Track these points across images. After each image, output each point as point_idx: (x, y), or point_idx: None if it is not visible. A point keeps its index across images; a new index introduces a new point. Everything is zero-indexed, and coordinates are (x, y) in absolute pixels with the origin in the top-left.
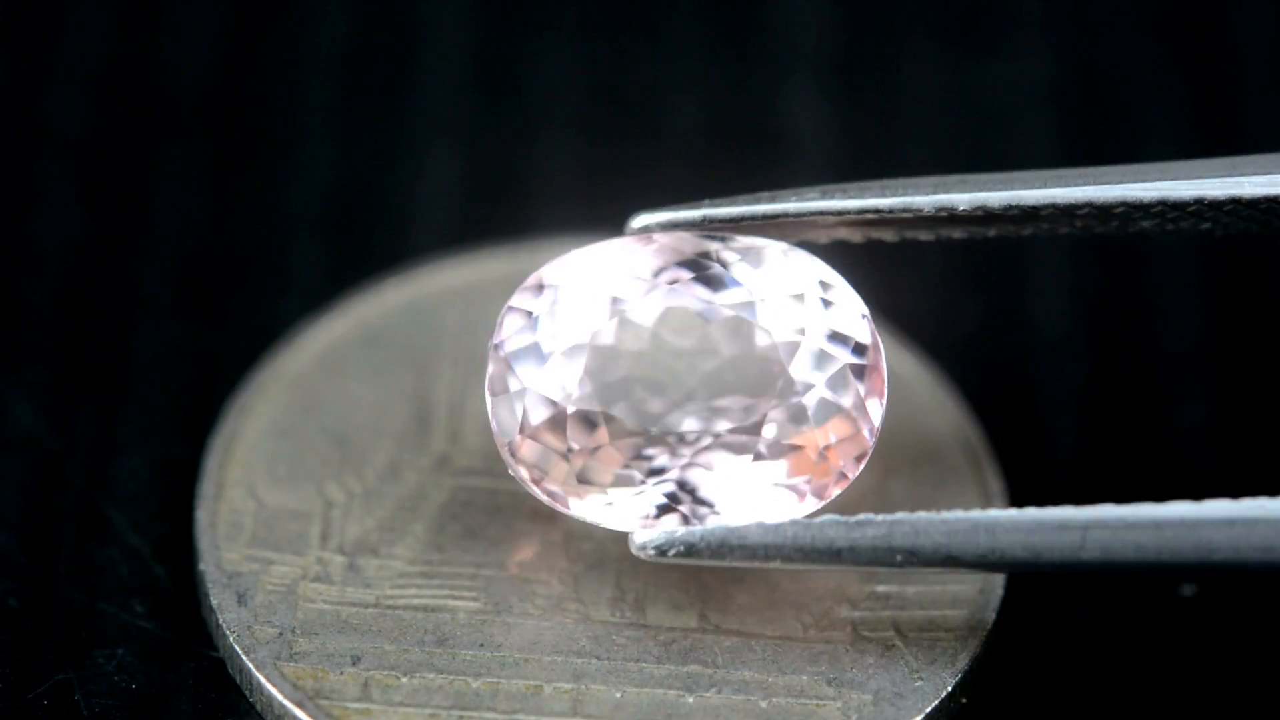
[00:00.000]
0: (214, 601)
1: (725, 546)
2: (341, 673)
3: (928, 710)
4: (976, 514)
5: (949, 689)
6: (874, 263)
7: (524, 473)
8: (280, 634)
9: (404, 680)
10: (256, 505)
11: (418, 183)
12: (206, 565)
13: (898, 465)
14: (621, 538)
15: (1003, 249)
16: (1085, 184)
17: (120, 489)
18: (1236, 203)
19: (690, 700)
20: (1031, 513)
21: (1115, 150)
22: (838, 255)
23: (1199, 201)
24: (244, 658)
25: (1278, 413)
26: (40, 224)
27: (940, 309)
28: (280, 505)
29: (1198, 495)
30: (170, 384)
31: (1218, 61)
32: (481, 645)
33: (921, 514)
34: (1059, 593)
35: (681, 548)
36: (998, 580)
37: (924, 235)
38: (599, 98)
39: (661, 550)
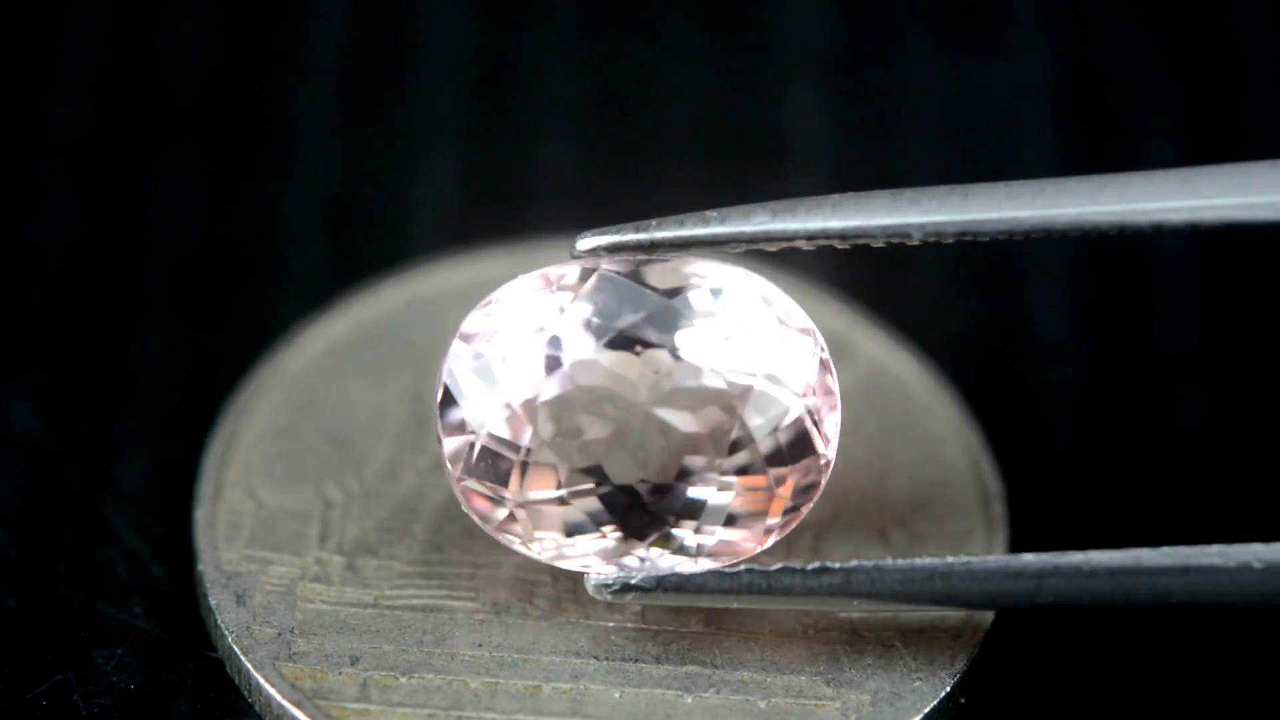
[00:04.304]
0: (213, 602)
1: (682, 592)
2: (340, 673)
3: (926, 710)
4: (933, 561)
5: (947, 689)
6: (872, 263)
7: (474, 516)
8: (279, 634)
9: (403, 680)
10: (255, 506)
11: (416, 183)
12: (205, 565)
13: (896, 466)
14: None
15: (1001, 250)
16: (1042, 206)
17: (119, 489)
18: (1194, 228)
19: (689, 700)
20: (988, 561)
21: (1114, 152)
22: (831, 255)
23: (1156, 227)
24: (242, 658)
25: (1276, 413)
26: (40, 224)
27: (939, 310)
28: (279, 505)
29: (1196, 496)
30: (169, 384)
31: (1217, 63)
32: (480, 645)
33: (877, 562)
34: None
35: (638, 592)
36: None
37: (877, 243)
38: (597, 98)
39: (618, 594)
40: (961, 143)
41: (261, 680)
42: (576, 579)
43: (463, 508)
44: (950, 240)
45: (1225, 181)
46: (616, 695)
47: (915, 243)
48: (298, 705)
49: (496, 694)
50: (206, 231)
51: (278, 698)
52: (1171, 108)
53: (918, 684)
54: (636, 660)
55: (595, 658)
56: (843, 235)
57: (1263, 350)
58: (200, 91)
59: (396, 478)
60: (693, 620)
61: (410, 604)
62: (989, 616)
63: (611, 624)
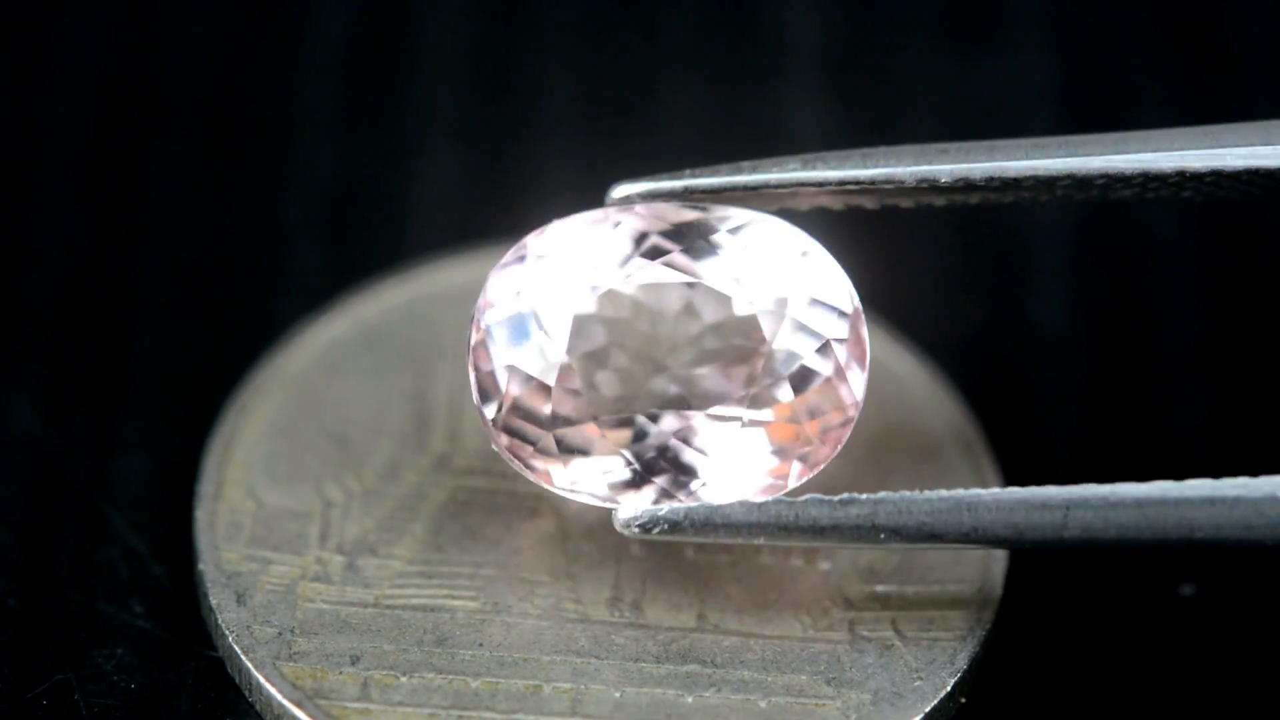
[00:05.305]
0: (213, 601)
1: (709, 525)
2: (340, 672)
3: (926, 710)
4: (960, 493)
5: (948, 689)
6: (872, 261)
7: (504, 444)
8: (279, 634)
9: (403, 680)
10: (255, 505)
11: (416, 182)
12: (206, 565)
13: (896, 463)
14: (622, 537)
15: (1001, 250)
16: (1067, 155)
17: (120, 489)
18: (1218, 174)
19: (689, 700)
20: (1014, 492)
21: None
22: (834, 246)
23: (1180, 173)
24: (243, 657)
25: (1275, 411)
26: (40, 224)
27: (939, 307)
28: (279, 505)
29: None
30: (170, 384)
31: (1217, 62)
32: (480, 645)
33: (905, 493)
34: (1058, 592)
35: (665, 525)
36: (996, 581)
37: (905, 203)
38: (597, 97)
39: (645, 528)
40: (960, 140)
41: (262, 680)
42: (577, 578)
43: (491, 445)
44: (978, 188)
45: (1248, 134)
46: (616, 695)
47: (943, 185)
48: (298, 705)
49: (497, 693)
50: (206, 231)
51: (278, 697)
52: (1172, 108)
53: (918, 684)
54: (637, 660)
55: (595, 657)
56: (873, 181)
57: (1263, 349)
58: (200, 91)
59: (396, 477)
60: (692, 619)
61: (410, 604)
62: (989, 616)
63: (611, 624)
